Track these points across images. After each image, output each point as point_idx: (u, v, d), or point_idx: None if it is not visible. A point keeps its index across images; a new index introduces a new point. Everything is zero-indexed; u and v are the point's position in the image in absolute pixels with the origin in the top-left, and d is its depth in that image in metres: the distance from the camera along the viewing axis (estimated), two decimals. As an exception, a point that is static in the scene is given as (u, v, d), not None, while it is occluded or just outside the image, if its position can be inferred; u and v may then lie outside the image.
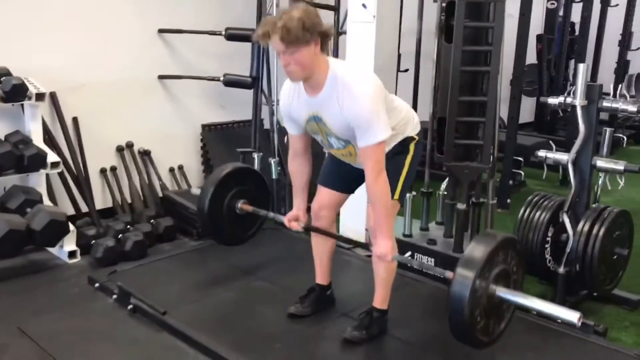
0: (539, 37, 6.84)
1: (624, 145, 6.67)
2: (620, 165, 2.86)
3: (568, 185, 3.02)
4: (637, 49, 7.25)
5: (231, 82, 4.36)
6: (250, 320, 2.88)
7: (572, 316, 2.05)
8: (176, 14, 4.41)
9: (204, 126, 4.71)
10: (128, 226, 3.81)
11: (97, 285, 3.19)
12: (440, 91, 3.34)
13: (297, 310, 2.87)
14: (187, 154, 4.71)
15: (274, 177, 4.25)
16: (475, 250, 2.13)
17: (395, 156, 2.56)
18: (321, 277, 2.93)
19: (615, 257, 2.99)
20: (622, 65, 7.18)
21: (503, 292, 2.16)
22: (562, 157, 3.03)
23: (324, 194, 2.78)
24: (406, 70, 4.25)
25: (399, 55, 4.19)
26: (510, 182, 4.86)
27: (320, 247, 2.89)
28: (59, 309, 3.00)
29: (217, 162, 4.55)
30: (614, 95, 2.89)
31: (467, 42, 3.10)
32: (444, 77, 3.27)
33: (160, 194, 4.37)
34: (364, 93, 2.29)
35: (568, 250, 2.96)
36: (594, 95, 2.86)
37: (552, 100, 3.04)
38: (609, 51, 7.08)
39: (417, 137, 2.63)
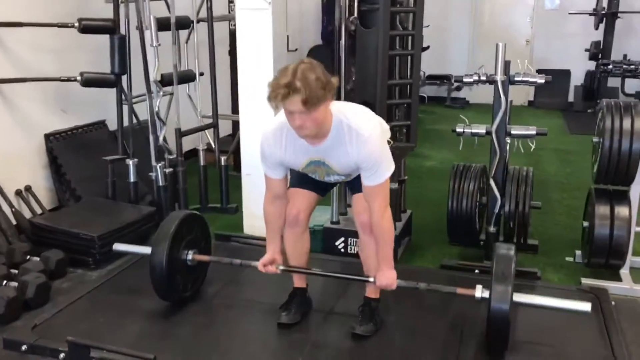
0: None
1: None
2: (532, 130, 3.28)
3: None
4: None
5: (92, 82, 3.78)
6: (244, 341, 2.66)
7: (584, 306, 2.39)
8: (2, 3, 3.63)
9: (48, 136, 3.99)
10: (11, 269, 3.10)
11: (24, 348, 2.54)
12: (357, 77, 3.38)
13: (289, 318, 2.72)
14: (33, 171, 3.95)
15: (160, 183, 3.83)
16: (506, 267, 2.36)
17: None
18: (300, 280, 2.81)
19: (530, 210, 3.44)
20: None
21: (520, 298, 2.41)
22: (480, 130, 3.35)
23: (302, 196, 2.66)
24: (295, 50, 4.17)
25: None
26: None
27: (299, 249, 2.76)
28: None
29: (75, 177, 3.97)
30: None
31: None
32: (361, 62, 3.32)
33: (14, 222, 3.61)
34: (371, 136, 2.33)
35: (496, 211, 3.32)
36: (508, 70, 3.21)
37: (468, 79, 3.32)
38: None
39: (391, 142, 2.67)
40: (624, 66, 3.04)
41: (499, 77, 3.18)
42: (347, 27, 3.32)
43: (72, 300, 2.95)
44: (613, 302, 2.93)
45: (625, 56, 6.71)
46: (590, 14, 7.75)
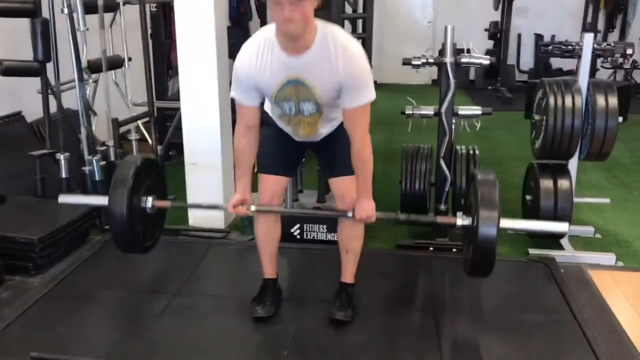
0: None
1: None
2: (478, 110, 3.40)
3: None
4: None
5: (13, 70, 3.45)
6: (222, 339, 2.57)
7: (561, 227, 2.45)
8: None
9: (-45, 133, 3.61)
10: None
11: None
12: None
13: (265, 311, 2.65)
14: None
15: (97, 178, 3.58)
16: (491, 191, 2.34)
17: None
18: (271, 271, 2.75)
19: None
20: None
21: (506, 223, 2.39)
22: (428, 111, 3.42)
23: (273, 182, 2.59)
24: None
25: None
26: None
27: (270, 236, 2.69)
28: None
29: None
30: (467, 51, 3.34)
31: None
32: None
33: None
34: (357, 52, 2.22)
35: (447, 189, 3.42)
36: (456, 53, 3.30)
37: (416, 62, 3.37)
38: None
39: None
40: (563, 47, 3.19)
41: (448, 59, 3.25)
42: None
43: (22, 311, 2.70)
44: (562, 270, 3.13)
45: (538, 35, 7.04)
46: (489, -5, 8.14)
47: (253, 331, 2.59)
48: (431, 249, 3.37)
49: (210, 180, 3.62)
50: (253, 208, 2.47)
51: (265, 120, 2.52)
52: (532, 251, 3.38)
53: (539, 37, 9.01)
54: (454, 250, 3.35)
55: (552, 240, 3.47)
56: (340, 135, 2.44)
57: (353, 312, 2.65)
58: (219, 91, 3.49)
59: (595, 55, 3.20)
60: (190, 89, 3.52)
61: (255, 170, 2.57)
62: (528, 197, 3.45)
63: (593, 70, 7.76)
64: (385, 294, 2.91)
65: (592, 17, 8.03)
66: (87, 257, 3.22)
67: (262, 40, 2.23)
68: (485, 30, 8.41)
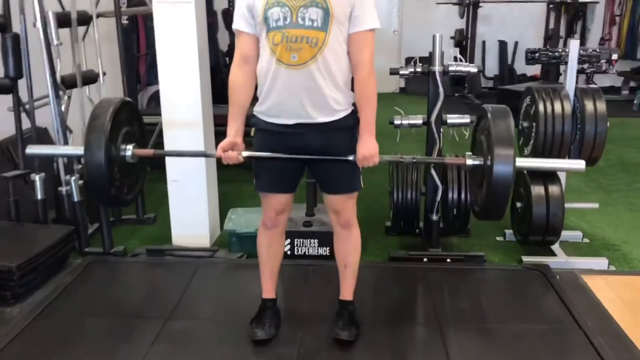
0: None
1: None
2: (467, 119, 3.37)
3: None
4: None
5: (-18, 88, 3.25)
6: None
7: (579, 164, 2.41)
8: None
9: None
10: None
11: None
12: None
13: (265, 333, 2.53)
14: None
15: (76, 199, 3.41)
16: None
17: (350, 130, 2.33)
18: (271, 290, 2.64)
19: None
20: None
21: (521, 161, 2.37)
22: (417, 120, 3.38)
23: (275, 200, 2.46)
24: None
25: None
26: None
27: (273, 252, 2.57)
28: None
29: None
30: (455, 60, 3.31)
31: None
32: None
33: None
34: None
35: (438, 199, 3.38)
36: (444, 61, 3.27)
37: (404, 71, 3.33)
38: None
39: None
40: (550, 53, 3.20)
41: (437, 68, 3.22)
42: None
43: (3, 346, 2.50)
44: (557, 276, 3.12)
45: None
46: (455, 4, 8.22)
47: (255, 356, 2.48)
48: (425, 260, 3.32)
49: (194, 194, 3.50)
50: (245, 153, 2.27)
51: (255, 124, 2.36)
52: (525, 258, 3.36)
53: (502, 44, 9.16)
54: (448, 260, 3.31)
55: (544, 246, 3.46)
56: (339, 146, 2.31)
57: (357, 330, 2.56)
58: (201, 103, 3.39)
59: (581, 61, 3.20)
60: (170, 104, 3.39)
61: (254, 188, 2.46)
62: (518, 204, 3.44)
63: (557, 75, 7.99)
64: (386, 309, 2.84)
65: (554, 23, 8.18)
66: (68, 283, 3.04)
67: None
68: (451, 37, 8.49)
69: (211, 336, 2.61)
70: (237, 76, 2.26)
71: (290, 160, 2.34)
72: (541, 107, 3.14)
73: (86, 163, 2.32)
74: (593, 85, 3.31)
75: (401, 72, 3.33)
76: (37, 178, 3.39)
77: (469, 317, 2.76)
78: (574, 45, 3.19)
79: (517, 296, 2.99)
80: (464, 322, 2.70)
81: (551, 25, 8.44)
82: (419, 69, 3.31)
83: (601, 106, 3.13)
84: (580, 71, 9.62)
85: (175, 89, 3.35)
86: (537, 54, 3.23)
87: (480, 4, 8.05)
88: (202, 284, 3.07)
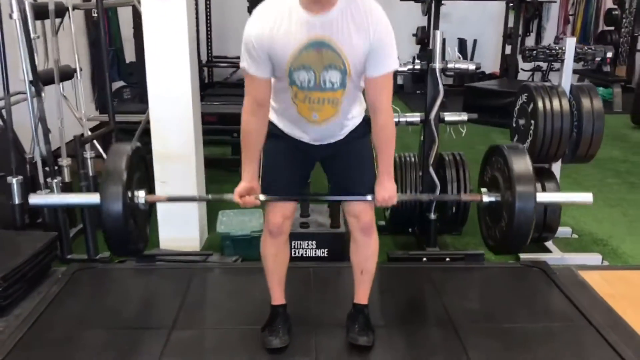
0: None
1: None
2: (464, 116, 3.35)
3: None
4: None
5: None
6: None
7: (586, 197, 2.44)
8: None
9: None
10: None
11: None
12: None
13: (280, 341, 2.43)
14: None
15: (58, 203, 3.19)
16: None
17: (363, 138, 2.31)
18: (281, 297, 2.54)
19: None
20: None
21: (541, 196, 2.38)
22: (415, 118, 3.33)
23: (282, 205, 2.36)
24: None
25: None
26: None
27: (281, 259, 2.48)
28: None
29: None
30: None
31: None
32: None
33: None
34: (382, 13, 2.05)
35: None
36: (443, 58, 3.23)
37: (401, 68, 3.27)
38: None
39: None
40: (547, 51, 3.21)
41: (438, 65, 3.18)
42: None
43: (-2, 363, 2.33)
44: (557, 273, 3.13)
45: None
46: (417, 1, 8.25)
47: (272, 363, 2.37)
48: (425, 259, 3.28)
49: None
50: (262, 197, 2.22)
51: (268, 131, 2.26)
52: (522, 256, 3.36)
53: (462, 41, 9.28)
54: (448, 259, 3.28)
55: (538, 243, 3.48)
56: (357, 147, 2.29)
57: (373, 334, 2.49)
58: (192, 101, 3.24)
59: (577, 59, 3.23)
60: (159, 101, 3.24)
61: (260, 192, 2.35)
62: (514, 202, 3.43)
63: (515, 73, 8.16)
64: (396, 311, 2.79)
65: (514, 22, 8.32)
66: (56, 294, 2.85)
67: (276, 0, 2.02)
68: (413, 35, 8.52)
69: (223, 345, 2.49)
70: (251, 123, 2.16)
71: (302, 166, 2.35)
72: (540, 104, 3.15)
73: (103, 213, 2.20)
74: (587, 83, 3.33)
75: (400, 68, 3.26)
76: (14, 181, 3.16)
77: (481, 316, 2.74)
78: (570, 43, 3.21)
79: (522, 294, 2.98)
80: (477, 322, 2.67)
81: (510, 24, 8.58)
82: (417, 66, 3.25)
83: (597, 103, 3.16)
84: (536, 69, 9.82)
85: (164, 92, 3.20)
86: (534, 52, 3.24)
87: (443, 2, 8.09)
88: (201, 290, 2.95)
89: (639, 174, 5.22)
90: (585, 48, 3.23)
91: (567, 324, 2.67)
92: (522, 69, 8.71)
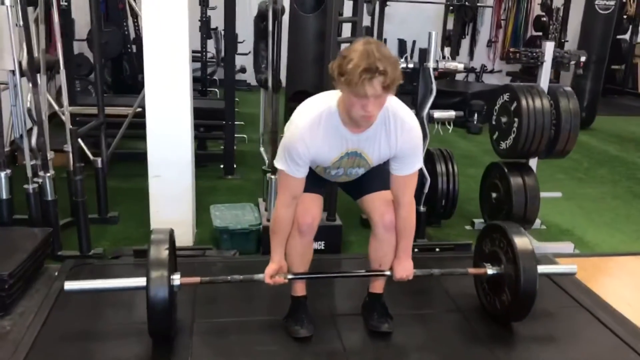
0: None
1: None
2: (452, 113, 3.52)
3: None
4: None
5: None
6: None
7: (571, 268, 2.75)
8: None
9: None
10: None
11: None
12: (293, 64, 3.20)
13: (307, 330, 2.50)
14: None
15: (50, 197, 3.08)
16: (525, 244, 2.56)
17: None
18: (303, 288, 2.60)
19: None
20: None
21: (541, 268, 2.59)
22: (406, 114, 3.46)
23: (312, 201, 2.44)
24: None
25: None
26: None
27: (305, 259, 2.53)
28: None
29: None
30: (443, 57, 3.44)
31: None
32: (295, 48, 3.16)
33: None
34: (414, 123, 2.27)
35: (426, 191, 3.50)
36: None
37: (396, 65, 3.38)
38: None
39: None
40: (529, 54, 3.43)
41: (431, 64, 3.33)
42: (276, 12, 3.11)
43: (20, 363, 2.23)
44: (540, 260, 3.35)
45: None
46: (365, 1, 8.42)
47: (306, 353, 2.42)
48: (416, 250, 3.41)
49: (177, 190, 3.32)
50: (290, 276, 2.44)
51: None
52: (504, 246, 3.57)
53: (402, 42, 9.58)
54: (437, 250, 3.44)
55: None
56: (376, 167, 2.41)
57: (392, 320, 2.60)
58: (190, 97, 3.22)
59: (555, 62, 3.48)
60: (156, 96, 3.19)
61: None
62: (494, 195, 3.65)
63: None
64: (403, 300, 2.89)
65: (454, 24, 8.70)
66: (58, 291, 2.75)
67: (323, 114, 2.17)
68: (359, 35, 8.71)
69: (250, 336, 2.51)
70: (286, 215, 2.34)
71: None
72: (524, 103, 3.36)
73: (149, 301, 2.24)
74: (562, 84, 3.59)
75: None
76: (2, 175, 3.02)
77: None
78: (548, 47, 3.45)
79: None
80: (479, 306, 2.82)
81: (449, 26, 8.96)
82: (410, 65, 3.38)
83: (574, 103, 3.42)
84: (470, 70, 10.23)
85: (161, 85, 3.17)
86: (517, 54, 3.46)
87: (388, 3, 8.32)
88: (208, 285, 2.92)
89: (582, 169, 5.64)
90: (563, 52, 3.48)
91: (562, 307, 2.88)
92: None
